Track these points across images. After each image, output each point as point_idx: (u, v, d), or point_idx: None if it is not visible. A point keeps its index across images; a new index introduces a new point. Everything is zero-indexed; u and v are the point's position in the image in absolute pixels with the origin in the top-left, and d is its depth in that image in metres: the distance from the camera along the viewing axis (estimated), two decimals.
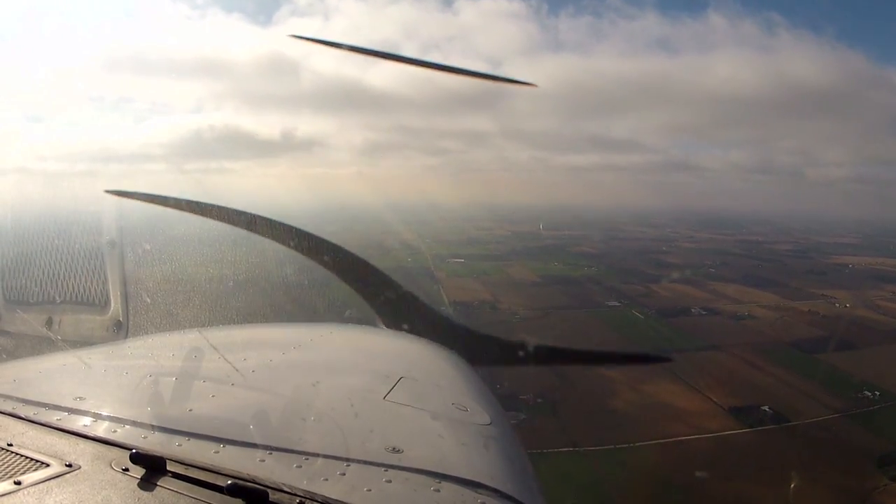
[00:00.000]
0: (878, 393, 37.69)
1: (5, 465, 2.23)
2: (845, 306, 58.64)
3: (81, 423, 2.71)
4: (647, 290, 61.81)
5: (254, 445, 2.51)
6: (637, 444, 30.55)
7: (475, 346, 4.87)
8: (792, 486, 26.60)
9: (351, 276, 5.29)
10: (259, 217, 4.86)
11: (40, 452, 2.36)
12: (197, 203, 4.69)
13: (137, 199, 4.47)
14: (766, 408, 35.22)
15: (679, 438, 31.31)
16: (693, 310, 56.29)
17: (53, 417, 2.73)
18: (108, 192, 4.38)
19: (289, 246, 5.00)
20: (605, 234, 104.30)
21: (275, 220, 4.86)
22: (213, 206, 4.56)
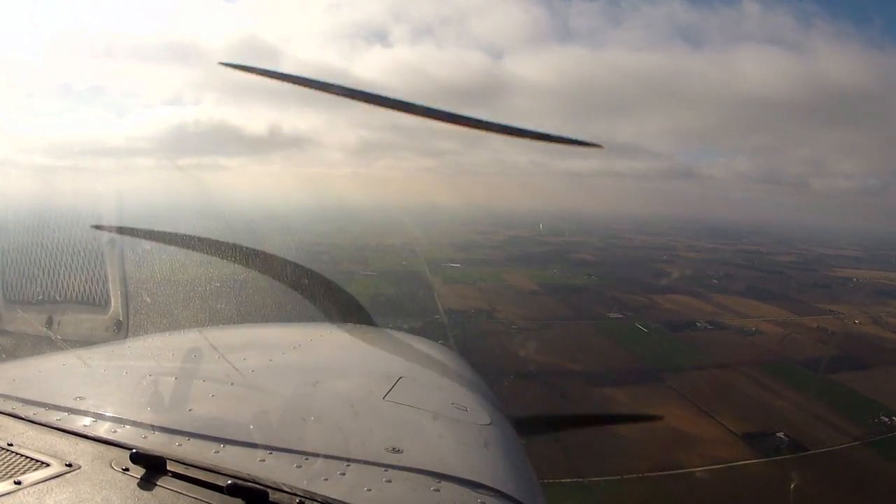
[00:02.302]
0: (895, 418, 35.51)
1: (5, 465, 2.23)
2: (854, 322, 56.79)
3: (81, 422, 2.70)
4: (650, 302, 59.70)
5: (254, 445, 2.51)
6: (647, 474, 28.15)
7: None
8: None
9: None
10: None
11: (40, 452, 2.36)
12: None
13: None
14: (781, 434, 32.88)
15: (691, 469, 28.91)
16: (698, 323, 54.05)
17: (53, 417, 2.74)
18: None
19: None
20: (605, 241, 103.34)
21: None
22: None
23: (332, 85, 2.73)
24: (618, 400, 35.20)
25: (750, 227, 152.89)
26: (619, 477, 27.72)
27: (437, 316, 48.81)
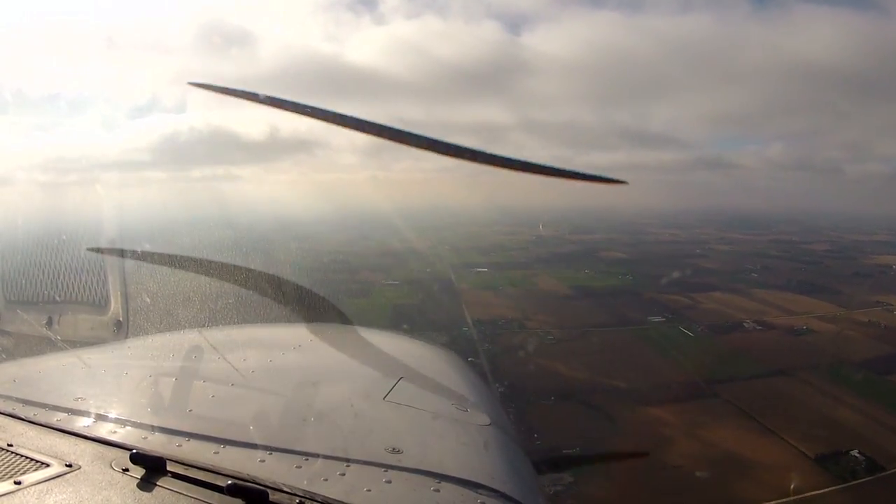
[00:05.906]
0: None
1: (5, 465, 2.23)
2: None
3: (81, 423, 2.70)
4: (691, 302, 56.26)
5: (254, 445, 2.50)
6: None
7: None
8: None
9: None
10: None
11: (40, 452, 2.35)
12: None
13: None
14: (856, 452, 29.60)
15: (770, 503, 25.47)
16: (746, 324, 50.68)
17: (53, 417, 2.73)
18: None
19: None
20: (633, 237, 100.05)
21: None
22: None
23: (311, 108, 2.61)
24: (667, 421, 32.14)
25: (778, 215, 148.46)
26: None
27: (464, 328, 46.10)
